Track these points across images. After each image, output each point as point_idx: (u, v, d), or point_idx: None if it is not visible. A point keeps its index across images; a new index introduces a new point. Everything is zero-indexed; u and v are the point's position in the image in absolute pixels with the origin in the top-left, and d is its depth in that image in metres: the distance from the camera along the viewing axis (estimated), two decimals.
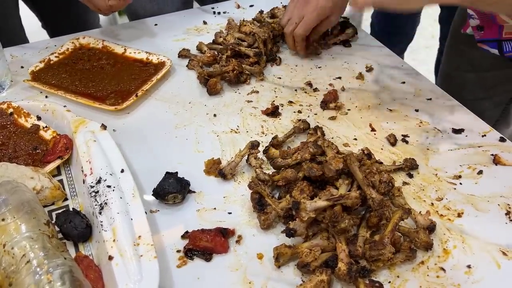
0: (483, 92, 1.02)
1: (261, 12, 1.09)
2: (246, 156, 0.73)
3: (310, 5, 0.91)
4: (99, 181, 0.64)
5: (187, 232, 0.63)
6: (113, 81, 0.90)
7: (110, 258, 0.55)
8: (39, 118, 0.78)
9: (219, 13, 1.16)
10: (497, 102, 1.03)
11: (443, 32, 1.75)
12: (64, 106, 0.80)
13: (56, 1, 1.32)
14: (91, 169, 0.66)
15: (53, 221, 0.63)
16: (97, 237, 0.61)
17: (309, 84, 0.91)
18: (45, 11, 1.36)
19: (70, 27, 1.14)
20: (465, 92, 0.87)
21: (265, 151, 0.74)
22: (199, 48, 1.00)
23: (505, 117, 1.05)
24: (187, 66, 0.96)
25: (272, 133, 0.79)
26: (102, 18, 1.58)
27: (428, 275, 0.58)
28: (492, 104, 1.03)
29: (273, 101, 0.87)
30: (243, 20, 1.04)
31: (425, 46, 2.43)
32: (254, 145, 0.73)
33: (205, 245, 0.61)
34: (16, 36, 1.26)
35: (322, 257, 0.58)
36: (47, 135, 0.75)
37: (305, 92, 0.90)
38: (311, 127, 0.79)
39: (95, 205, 0.61)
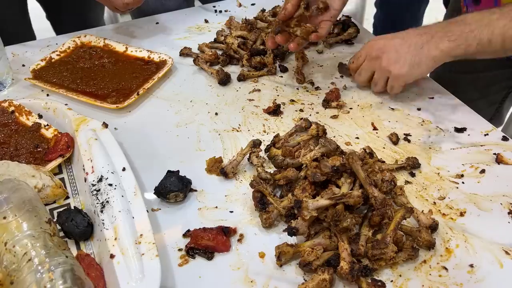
0: (476, 92, 1.02)
1: (263, 10, 1.09)
2: (248, 154, 0.73)
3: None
4: (100, 180, 0.64)
5: (188, 230, 0.63)
6: (115, 80, 0.90)
7: (112, 256, 0.55)
8: (40, 117, 0.78)
9: (220, 11, 1.16)
10: (490, 101, 1.03)
11: None
12: (66, 104, 0.80)
13: None
14: (92, 167, 0.66)
15: (54, 220, 0.62)
16: (98, 236, 0.61)
17: (311, 82, 0.91)
18: (50, 2, 1.36)
19: (74, 20, 1.14)
20: (459, 93, 0.87)
21: (267, 150, 0.73)
22: (200, 49, 1.00)
23: (499, 115, 1.05)
24: (194, 61, 0.96)
25: (273, 132, 0.79)
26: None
27: (430, 274, 0.58)
28: (486, 103, 1.03)
29: (275, 99, 0.87)
30: (245, 19, 1.04)
31: None
32: (256, 144, 0.73)
33: (207, 243, 0.61)
34: (20, 28, 1.25)
35: (324, 256, 0.58)
36: (49, 133, 0.75)
37: (307, 91, 0.89)
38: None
39: (97, 203, 0.61)
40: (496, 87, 1.01)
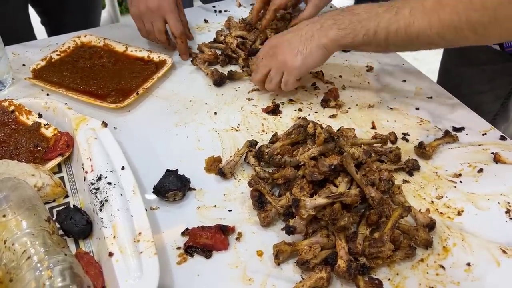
0: (482, 86, 1.02)
1: None
2: (245, 154, 0.73)
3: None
4: (99, 178, 0.64)
5: (187, 229, 0.63)
6: (114, 79, 0.91)
7: (111, 254, 0.55)
8: (40, 116, 0.78)
9: (220, 11, 1.16)
10: (496, 95, 1.03)
11: None
12: (65, 103, 0.80)
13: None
14: (91, 166, 0.66)
15: (54, 218, 0.63)
16: (97, 234, 0.61)
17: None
18: (49, 8, 1.36)
19: (72, 26, 1.14)
20: (465, 86, 0.87)
21: (259, 153, 0.72)
22: (200, 49, 1.00)
23: (504, 111, 1.05)
24: (191, 61, 0.96)
25: (272, 131, 0.80)
26: (103, 17, 1.58)
27: (427, 273, 0.58)
28: (491, 98, 1.03)
29: (274, 99, 0.87)
30: (242, 18, 1.04)
31: None
32: (252, 144, 0.74)
33: (205, 242, 0.61)
34: (24, 34, 1.26)
35: (321, 254, 0.58)
36: (48, 132, 0.76)
37: (306, 91, 0.90)
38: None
39: (96, 202, 0.62)
40: (501, 81, 1.01)
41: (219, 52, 0.99)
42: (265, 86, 0.86)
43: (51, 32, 1.42)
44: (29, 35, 1.29)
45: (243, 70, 0.94)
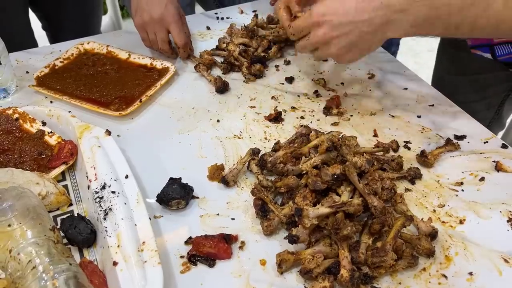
0: (475, 94, 1.02)
1: (256, 16, 1.09)
2: (247, 162, 0.73)
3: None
4: (103, 187, 0.65)
5: (190, 238, 0.64)
6: (117, 87, 0.91)
7: (115, 264, 0.56)
8: (44, 124, 0.79)
9: (222, 18, 1.16)
10: (489, 103, 1.04)
11: None
12: (69, 111, 0.81)
13: (61, 3, 1.33)
14: (95, 174, 0.67)
15: (58, 227, 0.63)
16: (101, 243, 0.61)
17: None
18: (49, 13, 1.37)
19: (72, 31, 1.15)
20: (458, 95, 0.87)
21: (262, 161, 0.72)
22: (201, 56, 1.01)
23: (498, 118, 1.05)
24: (195, 68, 0.97)
25: (274, 139, 0.80)
26: (105, 23, 1.59)
27: (430, 282, 0.58)
28: (485, 106, 1.03)
29: (276, 107, 0.88)
30: (244, 25, 1.05)
31: (427, 49, 2.44)
32: (255, 152, 0.74)
33: (209, 251, 0.61)
34: (24, 38, 1.27)
35: (324, 263, 0.59)
36: (52, 140, 0.76)
37: (308, 98, 0.90)
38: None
39: (100, 210, 0.62)
40: (494, 89, 1.02)
41: (221, 59, 1.00)
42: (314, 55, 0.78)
43: (52, 36, 1.43)
44: (30, 40, 1.30)
45: (245, 78, 0.94)
